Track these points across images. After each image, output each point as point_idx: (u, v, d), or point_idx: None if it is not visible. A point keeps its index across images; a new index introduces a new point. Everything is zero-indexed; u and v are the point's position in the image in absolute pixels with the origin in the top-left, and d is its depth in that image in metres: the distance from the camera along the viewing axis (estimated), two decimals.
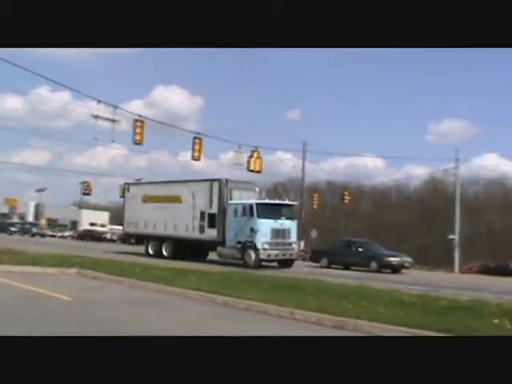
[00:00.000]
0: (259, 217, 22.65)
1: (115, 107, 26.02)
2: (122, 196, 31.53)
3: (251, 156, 29.26)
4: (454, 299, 11.34)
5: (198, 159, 27.56)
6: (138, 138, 24.88)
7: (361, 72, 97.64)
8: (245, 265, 22.29)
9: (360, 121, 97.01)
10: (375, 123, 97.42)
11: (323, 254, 28.93)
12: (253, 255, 22.47)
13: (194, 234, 25.15)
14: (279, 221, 23.15)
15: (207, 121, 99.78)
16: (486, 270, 33.87)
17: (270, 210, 23.30)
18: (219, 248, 24.08)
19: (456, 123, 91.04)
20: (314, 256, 30.03)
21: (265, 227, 22.62)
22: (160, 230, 26.92)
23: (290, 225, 23.85)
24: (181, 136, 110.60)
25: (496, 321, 8.21)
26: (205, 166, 68.28)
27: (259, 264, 22.32)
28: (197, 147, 27.04)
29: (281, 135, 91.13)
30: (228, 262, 23.80)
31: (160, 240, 27.00)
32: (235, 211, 23.44)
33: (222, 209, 24.12)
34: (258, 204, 23.23)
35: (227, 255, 23.82)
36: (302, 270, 23.52)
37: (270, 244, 22.65)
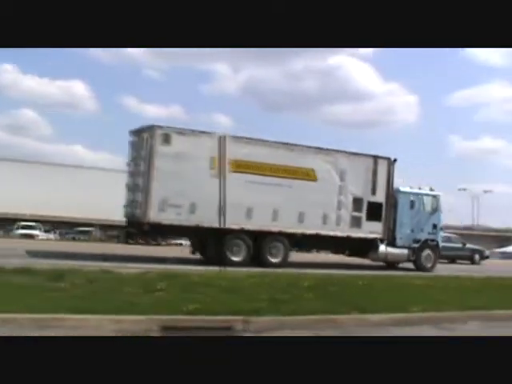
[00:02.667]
0: (441, 210, 20.67)
1: None
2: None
3: None
4: None
5: None
6: None
7: None
8: (419, 268, 19.56)
9: None
10: None
11: None
12: (432, 256, 20.10)
13: (340, 230, 18.24)
14: None
15: None
16: None
17: None
18: (382, 248, 19.16)
19: None
20: None
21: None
22: (263, 222, 17.15)
23: None
24: None
25: None
26: None
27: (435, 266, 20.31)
28: None
29: None
30: (377, 265, 19.96)
31: (256, 238, 17.03)
32: (413, 203, 20.07)
33: (390, 197, 19.20)
34: (440, 196, 20.93)
35: (396, 257, 19.91)
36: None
37: None
